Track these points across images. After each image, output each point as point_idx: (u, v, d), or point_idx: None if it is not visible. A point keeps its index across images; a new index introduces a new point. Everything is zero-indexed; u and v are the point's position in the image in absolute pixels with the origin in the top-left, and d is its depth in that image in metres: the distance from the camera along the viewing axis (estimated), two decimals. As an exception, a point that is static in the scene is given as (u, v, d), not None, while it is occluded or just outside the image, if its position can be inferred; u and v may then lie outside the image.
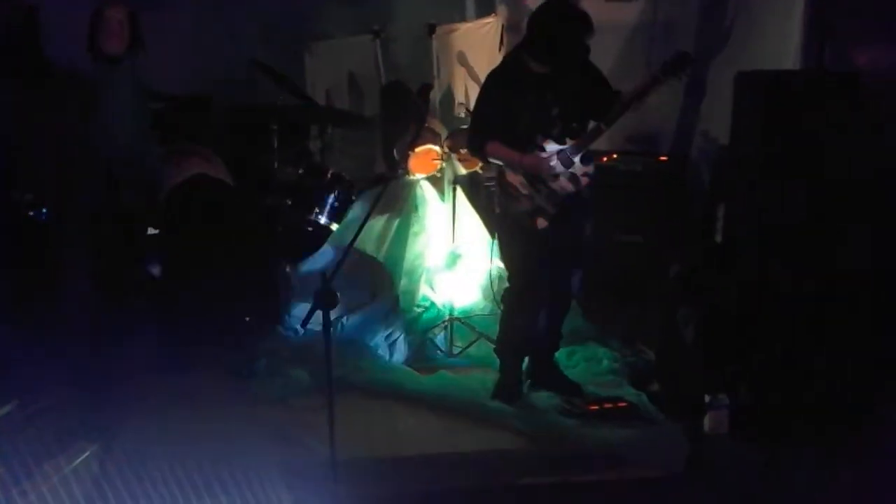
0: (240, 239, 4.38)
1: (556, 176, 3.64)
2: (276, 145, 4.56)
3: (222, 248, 4.22)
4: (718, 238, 5.08)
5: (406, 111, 4.77)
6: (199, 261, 4.14)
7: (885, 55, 4.36)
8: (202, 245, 4.14)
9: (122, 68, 4.20)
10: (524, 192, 3.67)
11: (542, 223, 3.66)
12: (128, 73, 4.21)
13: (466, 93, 5.84)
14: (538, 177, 3.65)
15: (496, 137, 3.66)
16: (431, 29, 5.67)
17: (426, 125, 4.71)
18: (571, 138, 3.67)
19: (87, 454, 2.75)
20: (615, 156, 5.52)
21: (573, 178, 3.67)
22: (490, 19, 5.88)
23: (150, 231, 4.55)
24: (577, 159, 3.65)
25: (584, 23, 3.54)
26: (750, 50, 5.41)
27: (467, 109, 5.48)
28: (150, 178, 4.24)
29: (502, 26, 5.81)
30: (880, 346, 3.72)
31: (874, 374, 3.70)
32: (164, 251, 4.30)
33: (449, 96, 5.92)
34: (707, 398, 3.68)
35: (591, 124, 3.69)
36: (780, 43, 5.08)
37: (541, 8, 3.65)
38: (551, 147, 3.66)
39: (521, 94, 3.61)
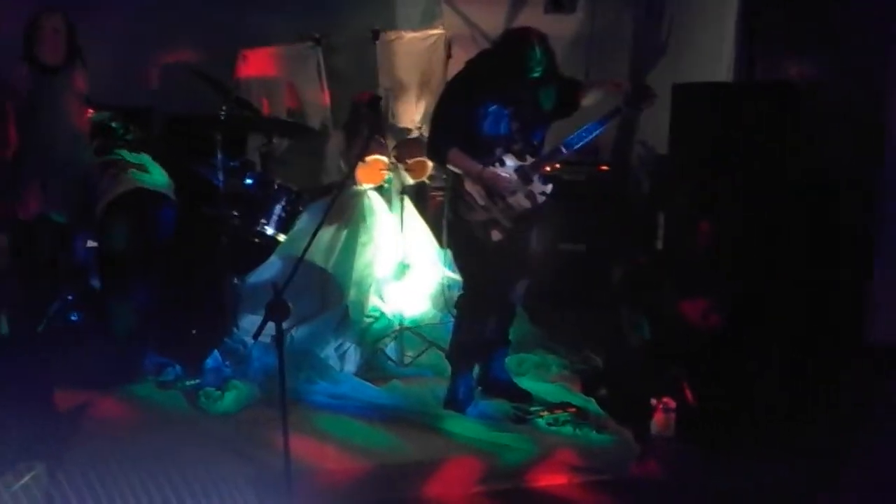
0: (185, 251, 4.30)
1: (514, 192, 3.65)
2: (219, 156, 4.48)
3: (166, 260, 4.14)
4: (659, 245, 5.24)
5: (362, 123, 4.77)
6: (143, 273, 4.05)
7: (812, 64, 4.56)
8: (144, 257, 4.05)
9: (60, 78, 4.10)
10: (481, 202, 3.67)
11: (496, 235, 3.67)
12: (66, 82, 4.11)
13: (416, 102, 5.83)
14: (496, 190, 3.66)
15: (457, 144, 3.63)
16: (375, 35, 5.63)
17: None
18: (532, 156, 3.70)
19: (34, 473, 2.67)
20: (558, 165, 5.62)
21: (530, 195, 3.68)
22: (436, 31, 5.85)
23: (90, 244, 4.45)
24: (535, 177, 3.68)
25: (552, 57, 3.58)
26: (685, 62, 5.59)
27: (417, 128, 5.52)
28: (83, 190, 4.14)
29: (448, 40, 5.81)
30: (816, 345, 3.87)
31: (814, 374, 3.83)
32: (103, 264, 4.20)
33: (393, 105, 5.90)
34: (653, 402, 3.78)
35: (552, 146, 3.74)
36: (714, 55, 5.26)
37: (515, 35, 3.67)
38: (511, 162, 3.66)
39: (482, 104, 3.61)
